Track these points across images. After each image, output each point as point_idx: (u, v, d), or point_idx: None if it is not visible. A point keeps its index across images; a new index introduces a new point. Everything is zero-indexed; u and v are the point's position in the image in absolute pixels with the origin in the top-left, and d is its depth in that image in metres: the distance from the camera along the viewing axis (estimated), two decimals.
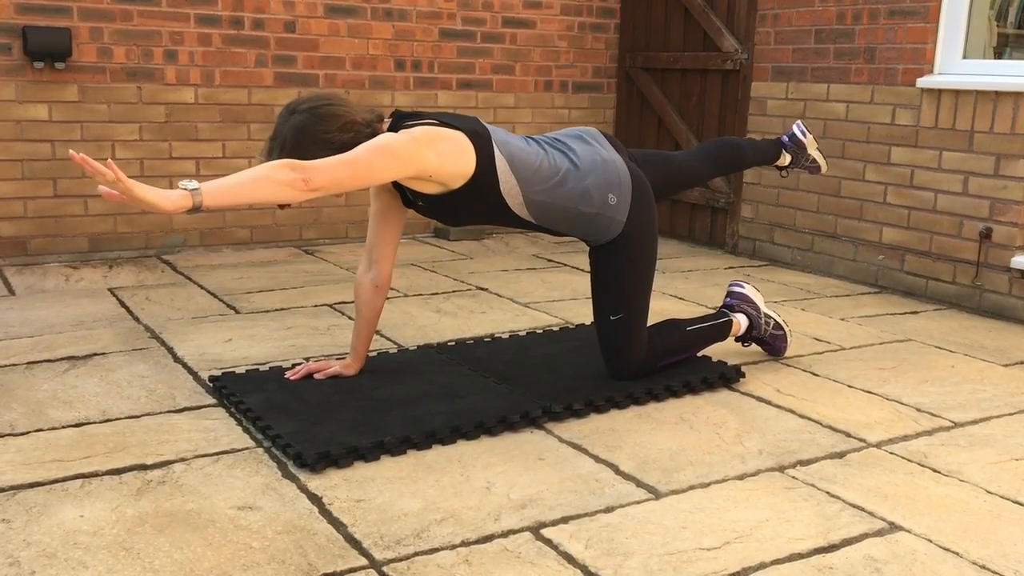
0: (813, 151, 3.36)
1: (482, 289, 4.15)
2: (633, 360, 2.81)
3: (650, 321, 2.88)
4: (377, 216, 2.72)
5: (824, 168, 3.43)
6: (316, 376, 2.78)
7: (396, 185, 2.63)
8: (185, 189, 2.11)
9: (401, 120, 2.51)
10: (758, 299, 3.15)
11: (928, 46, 4.14)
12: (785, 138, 3.33)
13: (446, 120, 2.51)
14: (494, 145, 2.54)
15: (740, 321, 3.10)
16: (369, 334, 2.81)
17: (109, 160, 2.01)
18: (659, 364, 2.88)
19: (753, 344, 3.19)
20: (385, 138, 2.38)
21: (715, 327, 3.03)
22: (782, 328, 3.16)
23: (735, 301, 3.14)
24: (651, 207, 2.79)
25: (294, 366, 2.86)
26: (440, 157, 2.42)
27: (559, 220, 2.68)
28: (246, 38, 4.76)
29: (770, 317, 3.15)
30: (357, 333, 2.80)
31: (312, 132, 2.35)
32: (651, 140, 5.64)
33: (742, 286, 3.17)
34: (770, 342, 3.17)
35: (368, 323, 2.78)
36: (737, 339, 3.14)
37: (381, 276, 2.74)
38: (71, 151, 2.02)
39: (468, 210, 2.59)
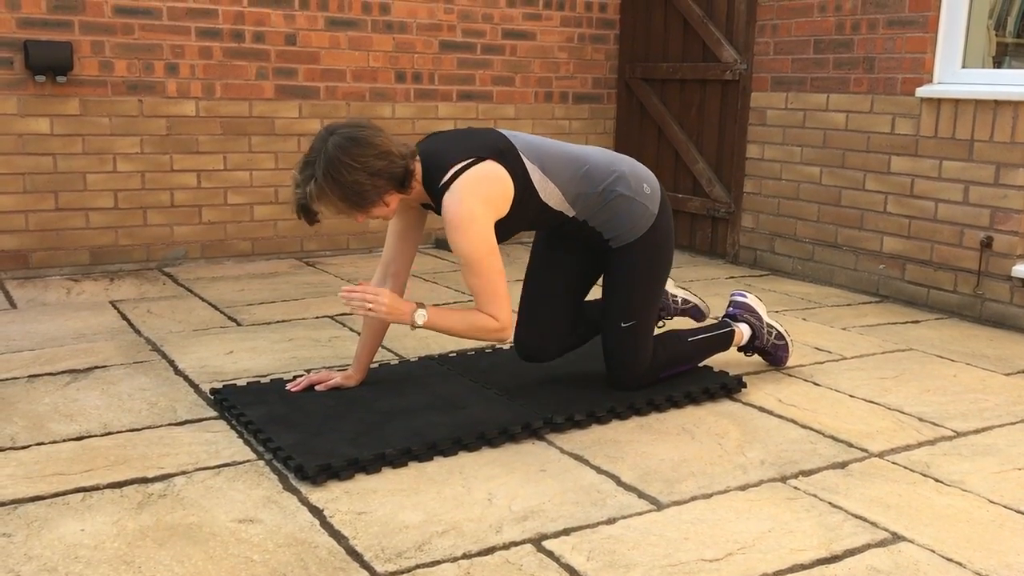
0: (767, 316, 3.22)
1: None
2: (637, 370, 2.81)
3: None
4: (398, 234, 2.76)
5: (790, 347, 3.23)
6: (317, 388, 2.78)
7: (428, 204, 2.69)
8: (421, 322, 2.50)
9: (432, 173, 2.54)
10: (760, 309, 3.16)
11: (927, 55, 4.15)
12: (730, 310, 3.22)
13: (472, 152, 2.53)
14: (523, 158, 2.58)
15: (743, 331, 3.10)
16: (374, 347, 2.82)
17: (362, 282, 2.54)
18: (661, 375, 2.88)
19: (755, 354, 3.18)
20: (465, 250, 2.49)
21: (718, 337, 3.03)
22: (784, 338, 3.16)
23: (737, 311, 3.14)
24: (671, 218, 2.85)
25: (295, 378, 2.86)
26: (494, 209, 2.52)
27: (599, 208, 2.70)
28: (247, 51, 4.78)
29: (772, 327, 3.15)
30: (363, 345, 2.81)
31: (351, 153, 2.38)
32: (651, 150, 5.66)
33: (744, 296, 3.17)
34: (772, 352, 3.16)
35: (375, 336, 2.79)
36: (739, 349, 3.14)
37: (395, 291, 2.76)
38: (341, 293, 2.48)
39: (517, 223, 2.64)
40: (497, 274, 2.52)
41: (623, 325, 2.78)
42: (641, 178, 2.76)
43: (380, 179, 2.41)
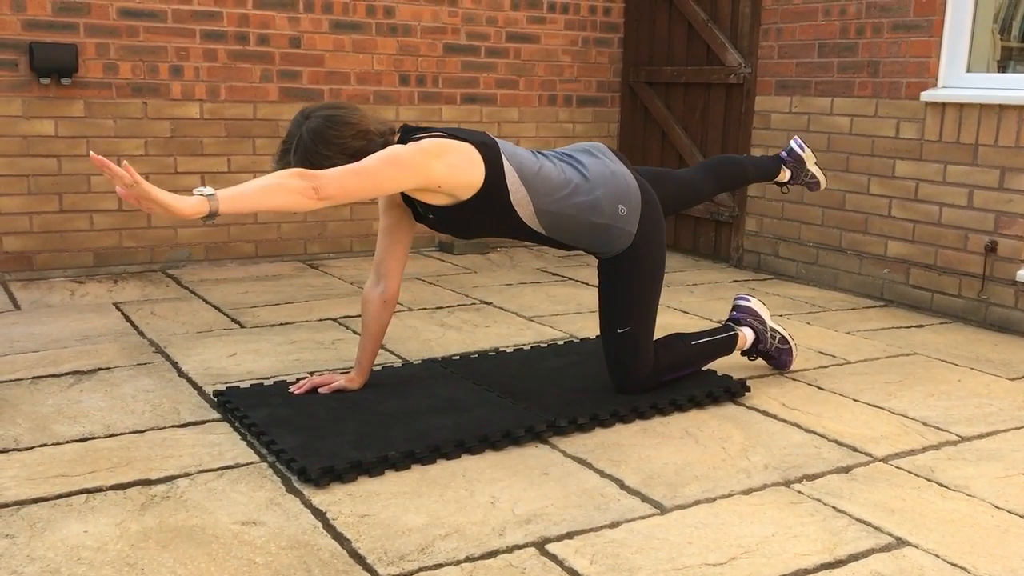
0: (812, 166, 3.36)
1: (486, 303, 4.15)
2: (639, 373, 2.80)
3: (655, 335, 2.88)
4: (387, 231, 2.73)
5: (823, 184, 3.43)
6: (320, 391, 2.78)
7: (406, 199, 2.64)
8: (201, 195, 2.11)
9: (409, 134, 2.53)
10: (764, 313, 3.15)
11: (932, 60, 4.15)
12: (784, 153, 3.34)
13: (454, 133, 2.53)
14: (503, 156, 2.55)
15: (746, 335, 3.09)
16: (375, 349, 2.81)
17: (125, 163, 2.01)
18: (664, 378, 2.88)
19: (759, 358, 3.18)
20: (394, 149, 2.40)
21: (721, 341, 3.03)
22: (787, 342, 3.16)
23: (741, 315, 3.13)
24: (659, 220, 2.81)
25: (298, 380, 2.85)
26: (448, 168, 2.43)
27: (570, 231, 2.68)
28: (251, 53, 4.78)
29: (776, 331, 3.15)
30: (363, 347, 2.80)
31: (326, 136, 2.37)
32: (655, 154, 5.65)
33: (748, 299, 3.16)
34: (775, 356, 3.16)
35: (374, 338, 2.79)
36: (743, 353, 3.14)
37: (389, 291, 2.74)
38: (90, 152, 2.01)
39: (478, 222, 2.60)
40: (376, 176, 2.29)
41: (619, 331, 2.77)
42: (618, 199, 2.68)
43: (360, 159, 2.36)
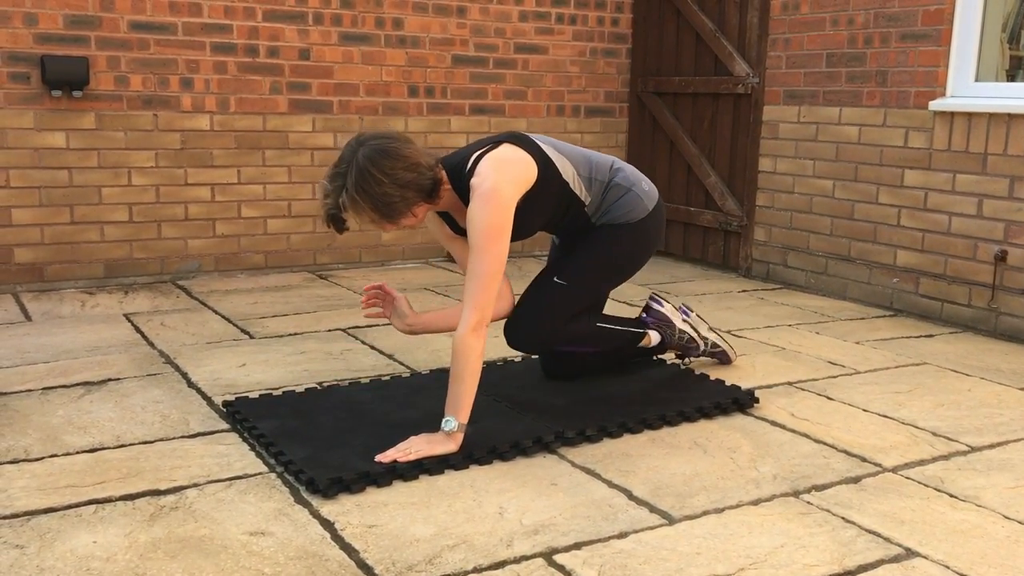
0: (707, 332, 3.32)
1: None
2: (539, 327, 2.87)
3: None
4: (450, 241, 2.86)
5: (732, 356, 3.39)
6: (372, 309, 2.90)
7: (442, 217, 2.78)
8: (451, 430, 2.41)
9: (457, 171, 2.59)
10: (676, 318, 3.20)
11: (940, 69, 4.14)
12: (646, 316, 3.27)
13: (487, 141, 2.64)
14: (536, 141, 2.69)
15: (651, 336, 3.16)
16: (439, 327, 2.91)
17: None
18: (560, 347, 2.97)
19: (688, 358, 3.28)
20: (484, 222, 2.45)
21: (625, 334, 3.09)
22: (719, 346, 3.29)
23: (650, 319, 3.19)
24: (663, 221, 2.95)
25: (307, 390, 2.86)
26: (516, 185, 2.55)
27: (601, 196, 2.81)
28: (261, 66, 4.81)
29: (684, 333, 3.20)
30: (436, 316, 2.91)
31: (380, 165, 2.41)
32: (663, 164, 5.66)
33: (661, 304, 3.21)
34: (685, 349, 3.26)
35: (444, 323, 2.93)
36: (677, 356, 3.28)
37: (502, 311, 2.88)
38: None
39: (542, 204, 2.68)
40: (496, 264, 2.46)
41: (556, 280, 2.86)
42: (639, 177, 2.91)
43: (409, 191, 2.44)
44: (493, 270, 2.45)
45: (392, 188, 2.41)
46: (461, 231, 2.77)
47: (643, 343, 3.13)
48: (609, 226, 2.85)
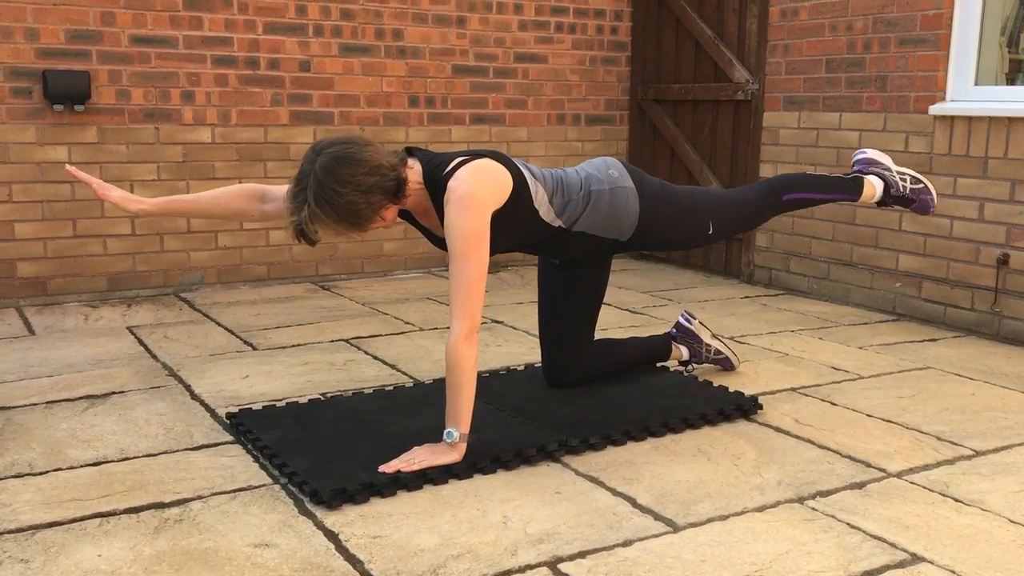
0: (710, 339, 3.37)
1: (497, 322, 4.16)
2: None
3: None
4: None
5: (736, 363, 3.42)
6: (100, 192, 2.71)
7: (413, 224, 2.72)
8: (453, 441, 2.42)
9: (433, 170, 2.54)
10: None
11: (940, 73, 4.15)
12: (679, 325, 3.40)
13: (470, 152, 2.60)
14: (515, 162, 2.66)
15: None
16: (198, 212, 2.85)
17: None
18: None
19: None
20: (462, 228, 2.42)
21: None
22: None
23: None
24: (642, 172, 2.91)
25: (310, 401, 2.86)
26: (494, 191, 2.52)
27: (585, 211, 2.73)
28: (262, 78, 4.83)
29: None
30: (197, 201, 2.81)
31: (339, 175, 2.36)
32: (664, 171, 5.66)
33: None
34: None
35: (210, 208, 2.81)
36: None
37: (269, 209, 2.88)
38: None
39: (508, 226, 2.61)
40: (480, 269, 2.42)
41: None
42: (606, 165, 2.83)
43: (374, 195, 2.40)
44: (478, 276, 2.42)
45: (355, 195, 2.36)
46: (423, 229, 2.73)
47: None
48: (639, 232, 2.81)
